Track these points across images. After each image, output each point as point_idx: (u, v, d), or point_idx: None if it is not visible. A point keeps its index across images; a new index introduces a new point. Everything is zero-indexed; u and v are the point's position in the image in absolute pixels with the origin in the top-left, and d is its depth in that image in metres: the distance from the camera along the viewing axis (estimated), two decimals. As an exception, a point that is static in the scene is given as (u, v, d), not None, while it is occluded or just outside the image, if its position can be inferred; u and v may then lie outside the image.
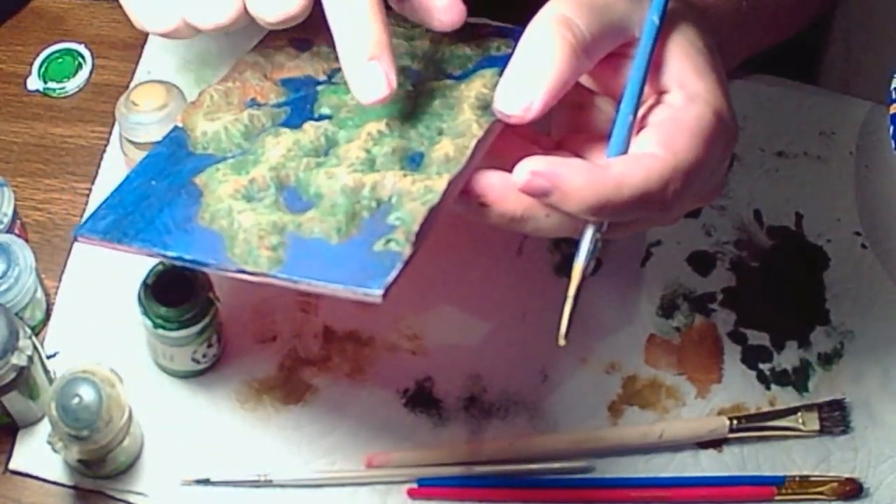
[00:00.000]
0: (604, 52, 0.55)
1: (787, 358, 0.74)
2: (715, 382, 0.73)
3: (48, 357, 0.69)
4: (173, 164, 0.56)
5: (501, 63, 0.54)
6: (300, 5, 0.52)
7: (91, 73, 0.81)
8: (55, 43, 0.81)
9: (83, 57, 0.81)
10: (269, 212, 0.52)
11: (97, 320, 0.71)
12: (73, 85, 0.80)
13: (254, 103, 0.59)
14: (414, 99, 0.57)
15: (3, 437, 0.68)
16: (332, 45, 0.53)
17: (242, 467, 0.68)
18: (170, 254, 0.52)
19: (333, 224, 0.51)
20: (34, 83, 0.80)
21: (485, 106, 0.55)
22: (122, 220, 0.54)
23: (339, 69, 0.59)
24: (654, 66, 0.55)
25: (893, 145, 0.73)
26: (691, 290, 0.75)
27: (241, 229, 0.52)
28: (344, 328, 0.72)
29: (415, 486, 0.69)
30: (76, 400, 0.62)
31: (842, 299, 0.76)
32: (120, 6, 0.55)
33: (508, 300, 0.74)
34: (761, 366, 0.74)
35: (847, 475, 0.71)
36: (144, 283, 0.65)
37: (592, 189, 0.50)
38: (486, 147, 0.54)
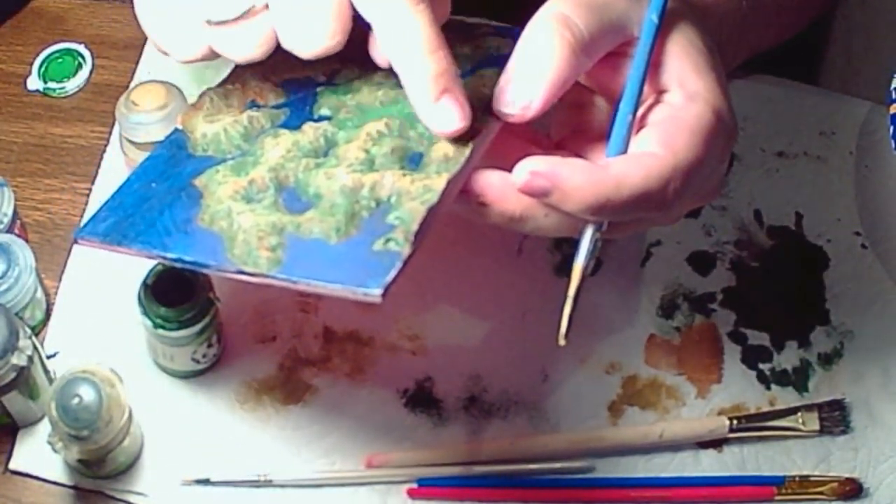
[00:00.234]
0: (603, 51, 0.55)
1: (787, 358, 0.74)
2: (715, 382, 0.73)
3: (48, 357, 0.69)
4: (173, 167, 0.56)
5: (500, 63, 0.54)
6: (336, 42, 0.51)
7: (91, 73, 0.81)
8: (55, 43, 0.81)
9: (83, 57, 0.81)
10: (269, 213, 0.52)
11: (97, 320, 0.71)
12: (73, 85, 0.80)
13: (253, 105, 0.59)
14: None
15: (3, 437, 0.68)
16: None
17: (242, 467, 0.68)
18: (170, 255, 0.52)
19: (332, 224, 0.51)
20: (34, 83, 0.80)
21: (484, 106, 0.55)
22: (123, 223, 0.54)
23: (339, 70, 0.59)
24: (654, 65, 0.55)
25: (893, 145, 0.73)
26: (691, 290, 0.75)
27: (241, 230, 0.52)
28: (344, 328, 0.72)
29: (415, 486, 0.69)
30: (76, 400, 0.62)
31: (842, 299, 0.76)
32: (120, 6, 0.55)
33: (508, 300, 0.74)
34: (761, 366, 0.74)
35: (847, 475, 0.71)
36: (144, 284, 0.65)
37: (592, 189, 0.50)
38: (485, 147, 0.54)
